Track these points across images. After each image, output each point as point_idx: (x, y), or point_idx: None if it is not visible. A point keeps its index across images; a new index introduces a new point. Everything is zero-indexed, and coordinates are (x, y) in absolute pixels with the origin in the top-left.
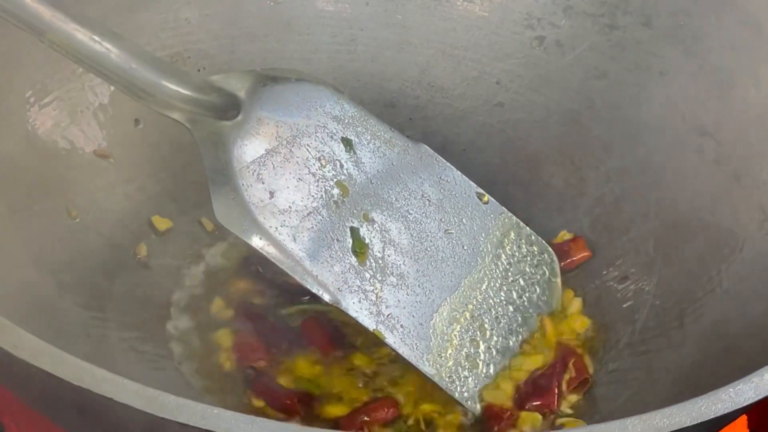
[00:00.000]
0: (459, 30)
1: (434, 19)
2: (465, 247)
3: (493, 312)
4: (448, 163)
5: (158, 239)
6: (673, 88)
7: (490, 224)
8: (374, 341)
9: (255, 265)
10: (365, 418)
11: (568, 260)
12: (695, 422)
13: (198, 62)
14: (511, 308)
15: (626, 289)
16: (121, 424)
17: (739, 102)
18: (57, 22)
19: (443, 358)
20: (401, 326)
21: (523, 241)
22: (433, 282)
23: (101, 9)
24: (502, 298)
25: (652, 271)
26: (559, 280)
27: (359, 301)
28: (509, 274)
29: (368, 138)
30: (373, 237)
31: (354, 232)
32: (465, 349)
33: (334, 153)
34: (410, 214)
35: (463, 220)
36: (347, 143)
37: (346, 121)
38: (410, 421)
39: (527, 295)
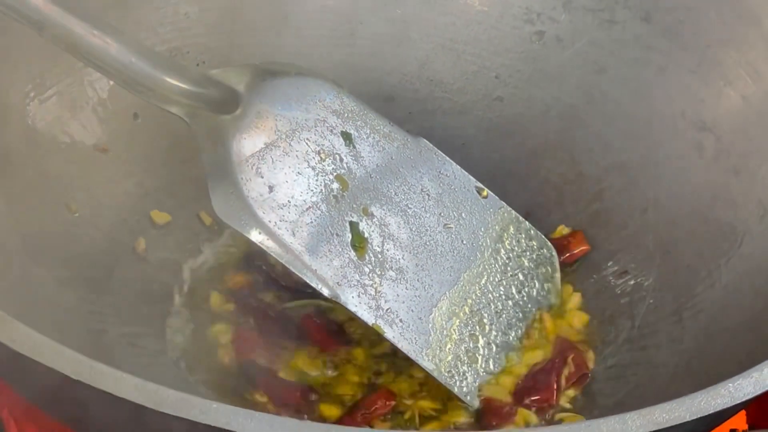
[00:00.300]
0: (458, 24)
1: (434, 14)
2: (464, 242)
3: (493, 307)
4: (447, 158)
5: (157, 233)
6: (673, 84)
7: (490, 219)
8: (374, 336)
9: (254, 259)
10: (364, 412)
11: (567, 254)
12: (694, 417)
13: (197, 56)
14: (510, 303)
15: (625, 284)
16: (119, 419)
17: (739, 97)
18: (56, 17)
19: (442, 353)
20: (400, 321)
21: (522, 235)
22: (432, 276)
23: (100, 4)
24: (501, 292)
25: (651, 266)
26: (558, 274)
27: (358, 296)
28: (508, 268)
29: (367, 132)
30: (373, 231)
31: (353, 226)
32: (464, 344)
33: (333, 147)
34: (409, 208)
35: (463, 214)
36: (346, 137)
37: (346, 115)
38: (407, 415)
39: (526, 289)
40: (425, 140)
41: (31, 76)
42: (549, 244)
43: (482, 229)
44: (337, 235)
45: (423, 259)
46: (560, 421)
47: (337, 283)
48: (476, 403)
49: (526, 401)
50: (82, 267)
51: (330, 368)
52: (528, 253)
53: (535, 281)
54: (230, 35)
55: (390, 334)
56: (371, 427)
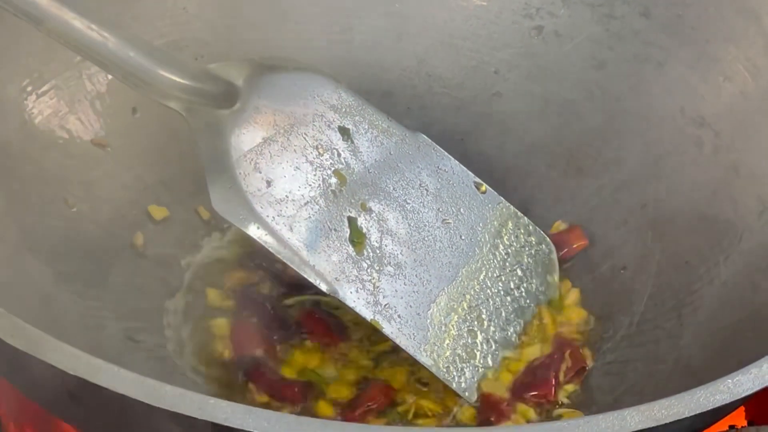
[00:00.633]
0: (457, 19)
1: (432, 9)
2: (463, 237)
3: (491, 303)
4: (446, 153)
5: (155, 228)
6: (672, 79)
7: (488, 214)
8: (373, 332)
9: (253, 255)
10: (362, 409)
11: (566, 250)
12: (693, 413)
13: (195, 51)
14: (508, 299)
15: (624, 280)
16: (117, 414)
17: (738, 93)
18: (54, 11)
19: (441, 349)
20: (398, 316)
21: (521, 231)
22: (431, 272)
23: None
24: (500, 288)
25: (650, 263)
26: (556, 270)
27: (356, 291)
28: (507, 264)
29: (366, 127)
30: (371, 227)
31: (351, 221)
32: (463, 340)
33: (331, 142)
34: (408, 203)
35: (461, 209)
36: (345, 132)
37: (344, 110)
38: (401, 408)
39: (525, 285)
40: (424, 135)
41: (29, 70)
42: (548, 239)
43: (481, 225)
44: (335, 230)
45: (421, 255)
46: (559, 417)
47: (336, 278)
48: (474, 398)
49: (525, 397)
50: (80, 262)
51: (329, 364)
52: (527, 249)
53: (534, 277)
54: (228, 30)
55: (388, 329)
56: (367, 422)
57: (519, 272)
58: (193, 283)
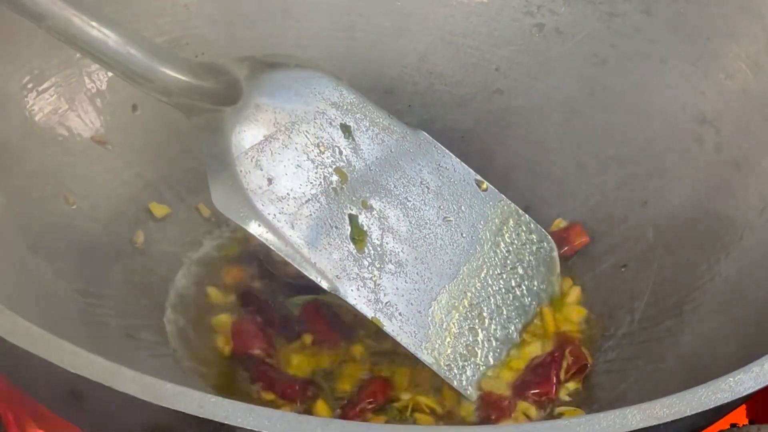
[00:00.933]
0: (458, 16)
1: (433, 6)
2: (464, 235)
3: (492, 300)
4: (447, 150)
5: (156, 226)
6: (673, 76)
7: (489, 212)
8: (374, 330)
9: (254, 252)
10: (361, 405)
11: (567, 247)
12: (695, 411)
13: (196, 48)
14: (510, 297)
15: (625, 277)
16: (117, 412)
17: (739, 90)
18: (55, 8)
19: (442, 347)
20: (399, 314)
21: (522, 228)
22: (432, 270)
23: None
24: (501, 286)
25: (651, 260)
26: (558, 268)
27: (357, 289)
28: (508, 261)
29: (367, 125)
30: (372, 224)
31: (353, 219)
32: (464, 338)
33: (332, 139)
34: (409, 201)
35: (462, 207)
36: (346, 130)
37: (345, 107)
38: (400, 404)
39: (526, 283)
40: (425, 133)
41: (29, 67)
42: (549, 237)
43: (482, 222)
44: (336, 227)
45: (422, 253)
46: (560, 415)
47: (336, 276)
48: (475, 397)
49: (526, 395)
50: (80, 259)
51: (330, 362)
52: (528, 247)
53: (535, 275)
54: (229, 27)
55: (389, 327)
56: (366, 420)
57: (520, 270)
58: (194, 281)
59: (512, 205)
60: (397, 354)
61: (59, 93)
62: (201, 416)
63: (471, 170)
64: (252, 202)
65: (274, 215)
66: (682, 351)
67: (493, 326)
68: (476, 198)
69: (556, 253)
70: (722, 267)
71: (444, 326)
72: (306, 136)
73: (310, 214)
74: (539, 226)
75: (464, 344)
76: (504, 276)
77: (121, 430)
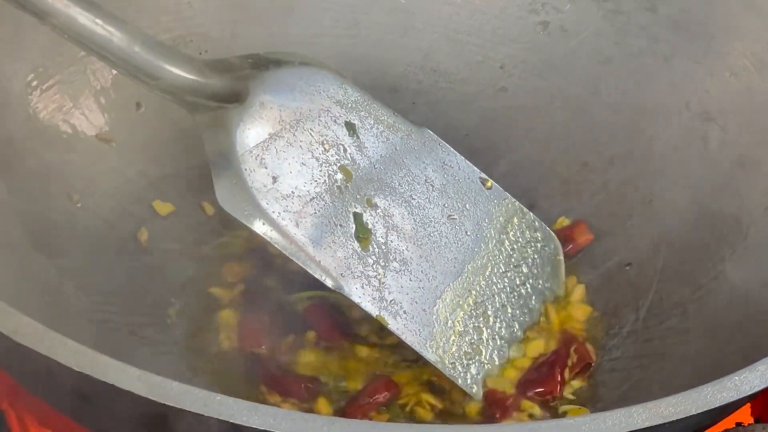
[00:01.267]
0: (463, 14)
1: (438, 4)
2: (468, 233)
3: (497, 299)
4: (452, 148)
5: (160, 224)
6: (677, 74)
7: (494, 210)
8: (379, 328)
9: (257, 249)
10: (364, 402)
11: (571, 245)
12: (700, 410)
13: (200, 46)
14: (514, 295)
15: (630, 275)
16: (122, 410)
17: (744, 88)
18: (59, 6)
19: (446, 345)
20: (404, 312)
21: (526, 226)
22: (437, 268)
23: None
24: (506, 284)
25: (655, 258)
26: (562, 266)
27: (362, 287)
28: (512, 260)
29: (371, 122)
30: (376, 222)
31: (357, 217)
32: (468, 336)
33: (337, 137)
34: (413, 199)
35: (467, 205)
36: (350, 128)
37: (350, 105)
38: (403, 400)
39: (531, 281)
40: (429, 131)
41: (33, 65)
42: (553, 235)
43: (486, 220)
44: (340, 226)
45: (427, 251)
46: (564, 414)
47: (341, 274)
48: (480, 395)
49: (530, 393)
50: (84, 257)
51: (334, 360)
52: (532, 245)
53: (540, 273)
54: (233, 25)
55: (394, 325)
56: (370, 418)
57: (524, 268)
58: (198, 279)
59: (516, 203)
60: (401, 352)
61: (63, 91)
62: (206, 415)
63: (475, 168)
64: (256, 200)
65: (279, 213)
66: (687, 349)
67: (497, 324)
68: (481, 196)
69: (560, 251)
70: (727, 265)
71: (449, 324)
72: (310, 134)
73: (315, 213)
74: (543, 224)
75: (469, 342)
76: (509, 274)
77: (124, 429)
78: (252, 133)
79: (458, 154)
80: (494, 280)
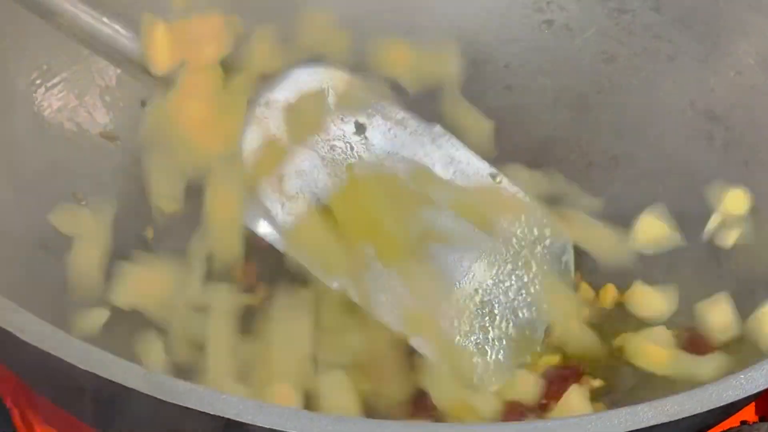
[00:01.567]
0: (468, 13)
1: (442, 2)
2: (476, 230)
3: (503, 298)
4: (461, 143)
5: (165, 222)
6: (682, 73)
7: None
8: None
9: (261, 249)
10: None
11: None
12: (706, 409)
13: None
14: (522, 294)
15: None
16: (127, 409)
17: (749, 87)
18: (64, 4)
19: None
20: None
21: (535, 223)
22: (442, 266)
23: None
24: (513, 282)
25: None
26: (572, 263)
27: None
28: (521, 257)
29: (379, 120)
30: None
31: None
32: (474, 336)
33: (344, 135)
34: None
35: None
36: (358, 125)
37: (357, 102)
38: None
39: (540, 279)
40: (439, 126)
41: (38, 63)
42: (563, 231)
43: (495, 217)
44: None
45: (433, 248)
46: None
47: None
48: (485, 396)
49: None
50: None
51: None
52: (541, 242)
53: (549, 271)
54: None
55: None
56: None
57: (534, 267)
58: (204, 277)
59: (527, 198)
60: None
61: (68, 89)
62: (211, 413)
63: (486, 163)
64: (261, 200)
65: (283, 215)
66: None
67: (504, 324)
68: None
69: (570, 248)
70: (732, 264)
71: (454, 324)
72: (316, 133)
73: None
74: (552, 221)
75: (474, 342)
76: (517, 272)
77: (129, 427)
78: (257, 132)
79: (468, 150)
80: (501, 278)
